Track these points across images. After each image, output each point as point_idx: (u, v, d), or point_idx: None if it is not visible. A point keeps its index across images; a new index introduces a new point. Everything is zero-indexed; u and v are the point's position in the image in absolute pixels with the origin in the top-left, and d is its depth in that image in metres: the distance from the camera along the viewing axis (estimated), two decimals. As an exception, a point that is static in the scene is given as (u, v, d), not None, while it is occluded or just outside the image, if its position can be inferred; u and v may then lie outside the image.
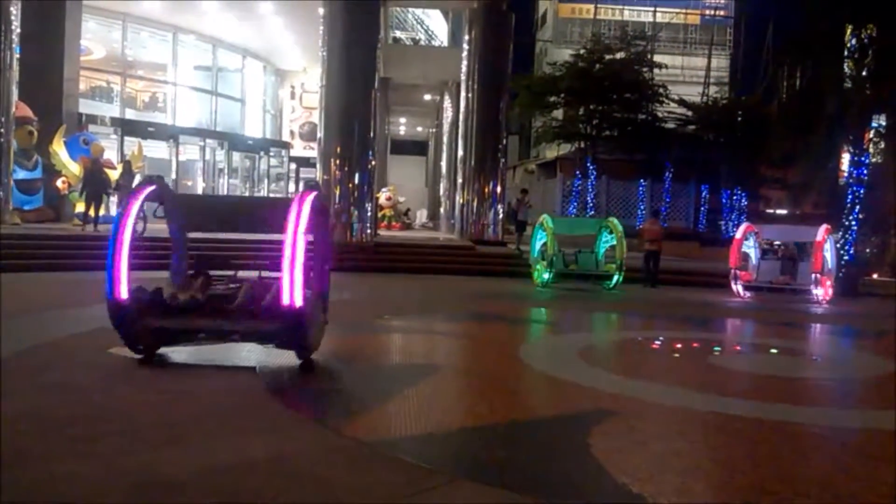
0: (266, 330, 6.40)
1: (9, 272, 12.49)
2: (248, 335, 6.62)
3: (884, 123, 24.15)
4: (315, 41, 21.38)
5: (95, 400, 5.23)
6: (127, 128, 25.62)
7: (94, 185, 18.75)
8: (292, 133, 34.93)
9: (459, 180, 25.23)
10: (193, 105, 29.56)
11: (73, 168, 20.51)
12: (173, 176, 27.05)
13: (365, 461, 4.25)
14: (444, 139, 34.55)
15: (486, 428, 5.08)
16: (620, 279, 16.26)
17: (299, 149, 34.17)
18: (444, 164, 34.09)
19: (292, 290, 6.02)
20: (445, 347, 8.80)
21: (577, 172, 33.67)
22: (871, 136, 22.15)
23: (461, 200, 24.97)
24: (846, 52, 22.43)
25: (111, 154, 23.08)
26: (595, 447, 4.67)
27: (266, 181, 32.12)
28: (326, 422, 4.95)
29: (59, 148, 20.60)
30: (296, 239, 6.05)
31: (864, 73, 21.29)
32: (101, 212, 19.60)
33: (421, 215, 40.50)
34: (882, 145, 24.35)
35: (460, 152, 25.48)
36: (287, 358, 6.95)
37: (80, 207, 20.03)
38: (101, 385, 5.70)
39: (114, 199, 20.91)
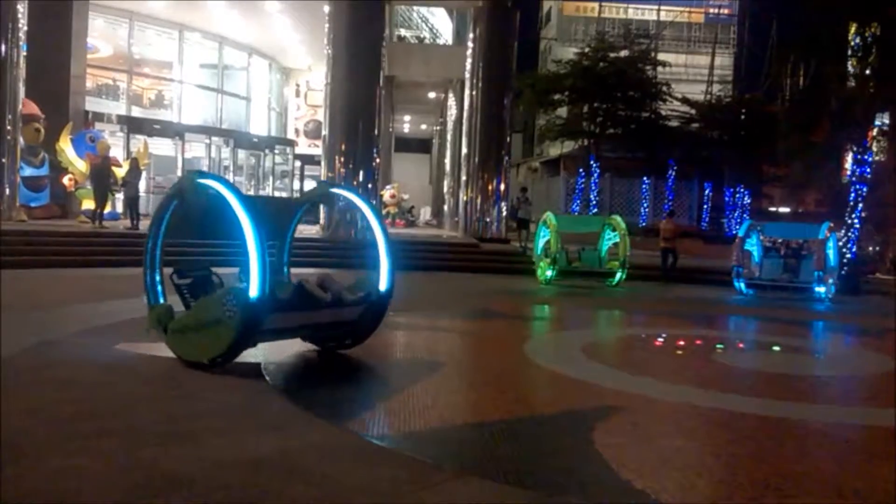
0: (349, 318, 6.84)
1: (15, 268, 12.58)
2: (330, 326, 6.91)
3: (887, 122, 24.19)
4: (320, 39, 21.46)
5: (101, 396, 5.24)
6: (133, 125, 25.69)
7: (101, 182, 18.85)
8: (297, 131, 34.97)
9: (463, 178, 25.27)
10: (199, 103, 29.58)
11: (80, 165, 20.62)
12: (179, 173, 27.11)
13: (369, 457, 4.26)
14: (449, 137, 34.57)
15: (491, 424, 5.10)
16: (623, 276, 16.33)
17: (304, 146, 34.22)
18: (447, 161, 34.10)
19: (386, 276, 6.92)
20: (450, 344, 8.81)
21: (581, 170, 33.69)
22: (875, 134, 22.19)
23: (465, 198, 25.01)
24: (850, 51, 22.45)
25: (117, 151, 23.18)
26: (598, 443, 4.70)
27: (271, 178, 32.18)
28: (331, 418, 4.96)
29: (65, 145, 20.70)
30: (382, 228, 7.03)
31: (867, 72, 21.31)
32: (107, 209, 19.72)
33: (425, 213, 40.51)
34: (885, 143, 24.39)
35: (464, 150, 25.52)
36: (291, 354, 7.05)
37: (86, 204, 20.15)
38: (106, 381, 5.71)
39: (119, 196, 21.04)
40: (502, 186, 24.29)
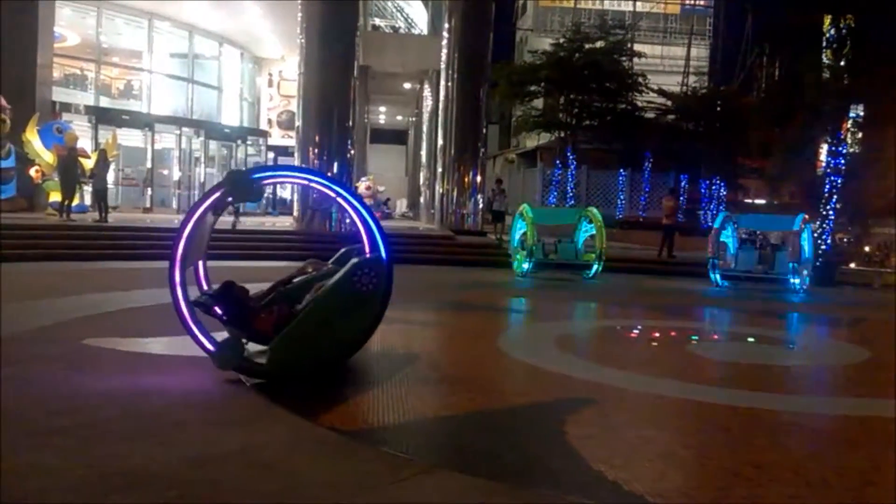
0: None
1: (-21, 262, 12.30)
2: None
3: (861, 113, 24.37)
4: (293, 28, 21.17)
5: (64, 392, 5.14)
6: (101, 116, 25.27)
7: (68, 174, 18.52)
8: (270, 121, 34.61)
9: (439, 170, 25.17)
10: (169, 93, 29.17)
11: (47, 157, 20.26)
12: (148, 164, 26.76)
13: (341, 451, 4.23)
14: (424, 128, 34.44)
15: (464, 416, 5.09)
16: (600, 268, 16.31)
17: (277, 137, 33.87)
18: (424, 153, 33.98)
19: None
20: (424, 336, 8.79)
21: (557, 162, 33.68)
22: (849, 125, 22.33)
23: (441, 190, 24.90)
24: (824, 42, 22.56)
25: (85, 143, 22.79)
26: (571, 435, 4.69)
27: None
28: (301, 411, 4.90)
29: (32, 137, 20.33)
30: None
31: (842, 63, 21.42)
32: (75, 201, 19.38)
33: (401, 205, 40.38)
34: (859, 135, 24.58)
35: (440, 141, 25.41)
36: (258, 348, 6.89)
37: (53, 197, 19.79)
38: (70, 377, 5.59)
39: (87, 188, 20.68)
40: (478, 178, 24.22)
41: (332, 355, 5.92)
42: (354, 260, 5.94)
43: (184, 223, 5.73)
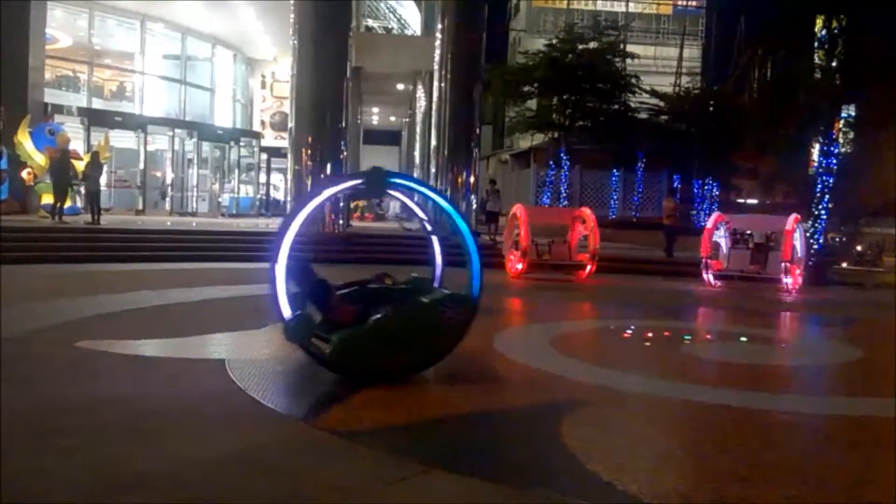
0: None
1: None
2: None
3: (853, 114, 24.45)
4: (286, 30, 21.14)
5: (62, 394, 5.14)
6: (94, 118, 25.20)
7: (61, 176, 18.45)
8: (263, 123, 34.56)
9: (433, 170, 25.14)
10: (162, 94, 29.12)
11: (39, 159, 20.18)
12: (141, 166, 26.69)
13: (337, 453, 4.23)
14: (418, 129, 34.45)
15: (459, 417, 5.08)
16: (593, 269, 16.32)
17: (270, 139, 33.82)
18: (417, 154, 34.00)
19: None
20: None
21: (551, 162, 33.73)
22: (841, 126, 22.40)
23: (434, 191, 24.85)
24: (816, 43, 22.63)
25: (78, 144, 22.72)
26: (567, 435, 4.68)
27: (237, 171, 31.77)
28: (297, 413, 4.91)
29: (24, 138, 20.25)
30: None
31: (834, 64, 21.49)
32: (68, 203, 19.31)
33: (394, 206, 40.33)
34: (851, 135, 24.67)
35: (433, 142, 25.39)
36: (256, 351, 6.94)
37: (46, 199, 19.72)
38: (67, 379, 5.59)
39: (81, 189, 20.62)
40: (472, 179, 24.19)
41: (392, 369, 5.94)
42: (447, 291, 6.22)
43: (310, 196, 6.16)
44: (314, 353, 5.76)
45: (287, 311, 5.67)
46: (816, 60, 22.90)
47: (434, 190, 6.34)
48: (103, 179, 20.94)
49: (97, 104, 26.59)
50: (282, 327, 5.72)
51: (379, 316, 5.88)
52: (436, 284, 7.30)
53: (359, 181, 6.15)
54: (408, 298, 6.33)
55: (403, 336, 5.86)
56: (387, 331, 5.79)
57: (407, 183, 6.27)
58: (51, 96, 24.31)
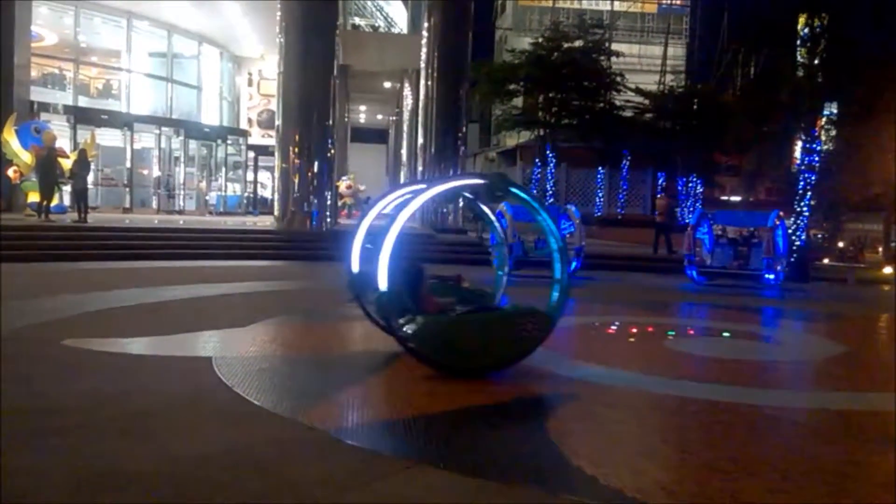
0: None
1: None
2: None
3: (835, 111, 24.70)
4: (273, 27, 21.13)
5: (48, 393, 5.13)
6: (80, 116, 25.12)
7: (47, 174, 18.39)
8: (250, 121, 34.49)
9: (420, 168, 25.19)
10: (148, 92, 29.00)
11: (25, 157, 20.08)
12: (128, 164, 26.60)
13: (323, 449, 4.22)
14: (405, 127, 34.46)
15: (445, 413, 5.09)
16: (578, 266, 16.43)
17: (257, 137, 33.77)
18: (404, 152, 34.00)
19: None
20: None
21: (537, 160, 33.84)
22: (823, 123, 22.63)
23: (421, 188, 24.90)
24: (799, 41, 22.84)
25: (64, 142, 22.62)
26: (552, 430, 4.72)
27: (224, 170, 31.71)
28: (284, 411, 4.90)
29: (9, 137, 20.14)
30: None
31: (816, 62, 21.71)
32: (54, 201, 19.25)
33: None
34: (833, 133, 24.91)
35: (420, 140, 25.45)
36: (243, 349, 6.94)
37: (32, 197, 19.65)
38: (53, 378, 5.57)
39: (67, 188, 20.54)
40: (459, 177, 24.23)
41: (465, 366, 6.07)
42: (530, 306, 6.31)
43: (432, 184, 6.41)
44: (399, 335, 6.00)
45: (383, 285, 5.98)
46: (799, 58, 23.12)
47: (542, 205, 6.52)
48: (90, 177, 20.85)
49: (83, 102, 26.46)
50: (374, 299, 6.05)
51: (463, 311, 6.23)
52: (500, 295, 7.95)
53: (480, 182, 6.38)
54: (481, 303, 6.75)
55: (481, 337, 6.05)
56: (466, 329, 6.03)
57: (522, 194, 6.41)
58: (37, 94, 24.21)
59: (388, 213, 6.80)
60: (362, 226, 7.22)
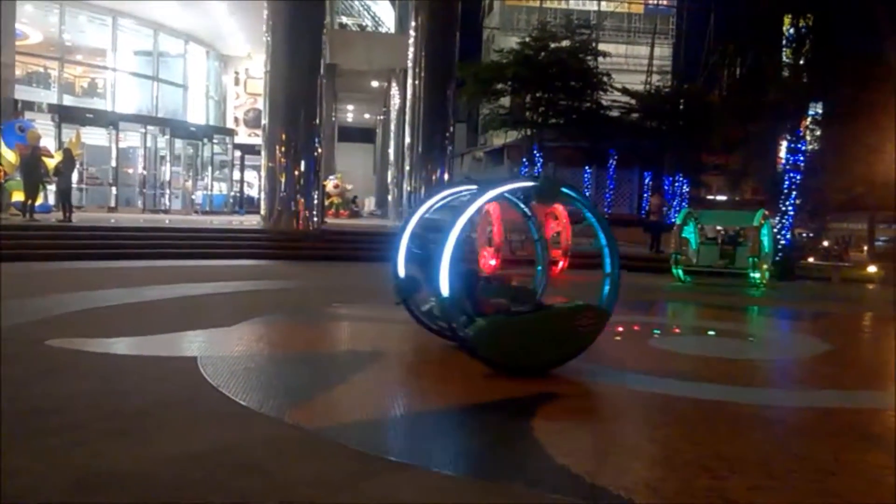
0: None
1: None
2: None
3: (820, 111, 24.84)
4: (259, 26, 21.06)
5: (32, 393, 5.07)
6: (65, 114, 24.90)
7: (31, 173, 18.25)
8: (237, 120, 34.37)
9: (407, 168, 25.18)
10: (134, 91, 28.85)
11: (9, 156, 19.93)
12: (113, 164, 26.43)
13: (309, 449, 4.21)
14: (392, 126, 34.43)
15: (432, 412, 5.09)
16: (566, 265, 16.47)
17: (244, 136, 33.65)
18: (391, 151, 33.97)
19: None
20: (392, 334, 8.64)
21: (524, 160, 33.87)
22: (808, 123, 22.76)
23: (409, 188, 24.91)
24: (784, 41, 22.97)
25: (48, 142, 22.42)
26: (538, 429, 4.70)
27: (210, 169, 31.57)
28: (271, 410, 4.88)
29: (-7, 136, 19.99)
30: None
31: (801, 62, 21.84)
32: (39, 201, 19.11)
33: (369, 203, 40.30)
34: (818, 132, 25.06)
35: (408, 139, 25.42)
36: (228, 349, 6.90)
37: (16, 196, 19.49)
38: (37, 378, 5.52)
39: (51, 187, 20.40)
40: (446, 176, 24.26)
41: (529, 364, 6.16)
42: (585, 302, 6.46)
43: (484, 188, 6.40)
44: (461, 337, 6.12)
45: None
46: (784, 59, 23.26)
47: (589, 203, 6.77)
48: (75, 176, 20.71)
49: (68, 101, 26.28)
50: (438, 305, 6.35)
51: (522, 310, 6.36)
52: (542, 291, 8.00)
53: (531, 185, 6.55)
54: (529, 300, 6.78)
55: (542, 335, 6.18)
56: (530, 326, 6.17)
57: (572, 194, 6.62)
58: (21, 93, 24.01)
59: (432, 217, 7.26)
60: (407, 229, 7.30)
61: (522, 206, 7.73)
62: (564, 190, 6.54)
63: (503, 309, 6.43)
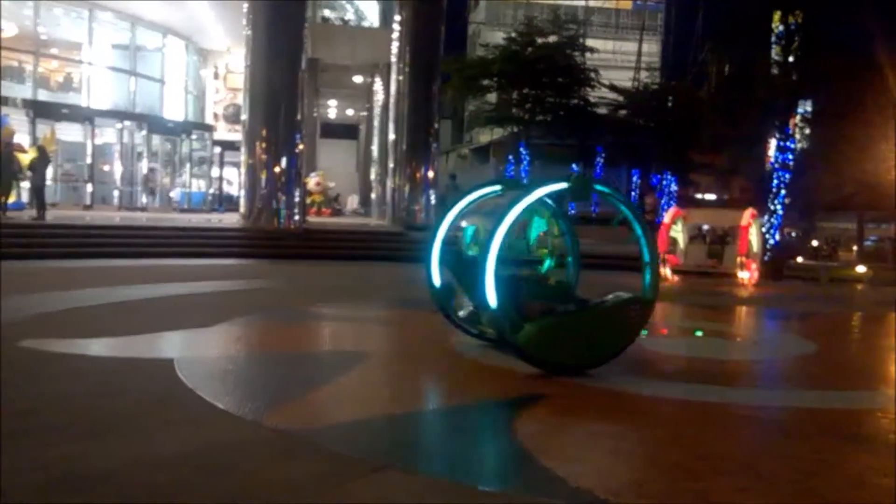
0: None
1: None
2: None
3: (809, 109, 24.76)
4: (239, 19, 20.68)
5: (5, 395, 4.90)
6: (40, 109, 24.52)
7: (4, 169, 17.83)
8: (216, 115, 33.93)
9: (391, 165, 24.88)
10: (110, 86, 28.46)
11: (-19, 152, 19.44)
12: (89, 160, 25.96)
13: (289, 452, 4.13)
14: (376, 123, 34.12)
15: (413, 414, 5.06)
16: (552, 264, 16.18)
17: (223, 132, 33.20)
18: (375, 148, 33.66)
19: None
20: (374, 335, 8.63)
21: (511, 157, 33.66)
22: (797, 121, 22.65)
23: (392, 186, 24.62)
24: (773, 39, 22.85)
25: (22, 137, 21.97)
26: (521, 431, 4.64)
27: (188, 165, 31.08)
28: (249, 413, 4.79)
29: (-35, 131, 19.49)
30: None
31: (790, 59, 21.71)
32: (12, 198, 18.68)
33: (352, 201, 39.96)
34: (807, 131, 24.97)
35: (392, 136, 25.11)
36: (205, 350, 6.81)
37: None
38: (10, 380, 5.33)
39: (25, 184, 19.95)
40: (431, 174, 23.98)
41: (582, 362, 6.18)
42: (628, 295, 6.49)
43: (520, 197, 6.26)
44: (512, 344, 6.03)
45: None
46: (773, 56, 23.13)
47: (622, 198, 6.82)
48: (49, 173, 20.26)
49: (43, 96, 25.92)
50: (487, 317, 6.36)
51: (571, 309, 6.48)
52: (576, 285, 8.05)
53: (564, 186, 6.45)
54: (569, 298, 6.92)
55: (595, 331, 6.25)
56: (582, 325, 6.27)
57: (606, 190, 6.71)
58: (-6, 87, 23.53)
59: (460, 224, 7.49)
60: (438, 236, 7.37)
61: (552, 203, 7.80)
62: (598, 187, 6.68)
63: (548, 310, 6.37)
